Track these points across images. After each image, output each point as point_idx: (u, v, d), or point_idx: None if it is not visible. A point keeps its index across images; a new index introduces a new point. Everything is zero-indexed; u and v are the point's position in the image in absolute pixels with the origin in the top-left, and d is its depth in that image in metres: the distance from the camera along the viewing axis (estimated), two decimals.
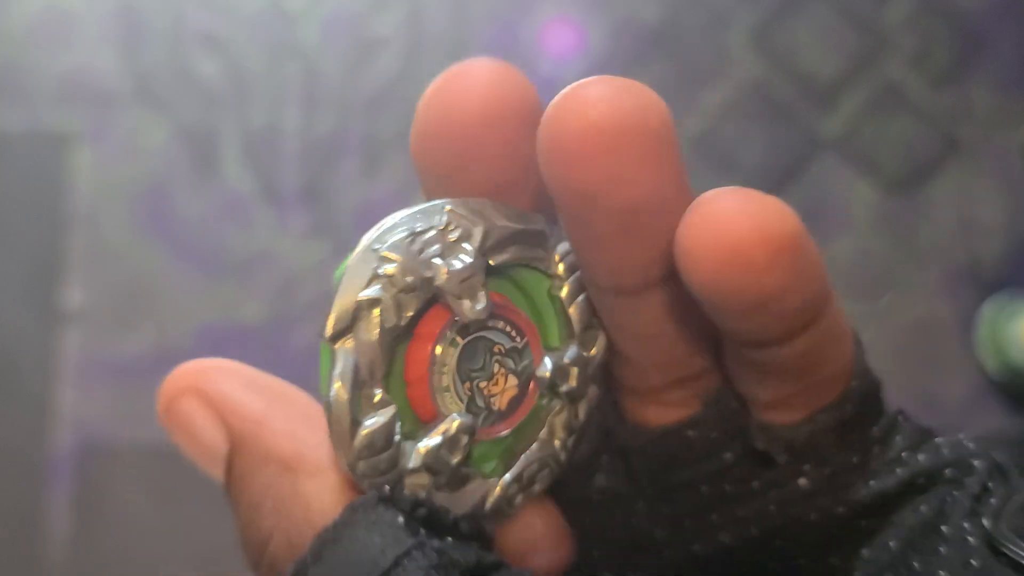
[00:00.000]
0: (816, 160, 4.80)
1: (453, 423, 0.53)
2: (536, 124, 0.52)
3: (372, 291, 0.52)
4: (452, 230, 0.53)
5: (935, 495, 0.54)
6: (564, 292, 0.57)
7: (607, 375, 0.59)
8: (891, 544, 0.54)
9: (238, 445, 0.57)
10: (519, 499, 0.56)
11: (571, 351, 0.55)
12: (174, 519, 4.26)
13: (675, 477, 0.56)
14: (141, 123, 4.55)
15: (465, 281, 0.52)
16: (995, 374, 3.35)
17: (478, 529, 0.53)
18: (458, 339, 0.54)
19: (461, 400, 0.54)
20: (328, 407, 0.52)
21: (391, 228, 0.54)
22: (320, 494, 0.53)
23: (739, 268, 0.47)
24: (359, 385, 0.51)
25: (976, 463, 0.58)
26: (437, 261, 0.52)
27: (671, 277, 0.51)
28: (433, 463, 0.53)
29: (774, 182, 4.77)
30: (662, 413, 0.56)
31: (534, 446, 0.56)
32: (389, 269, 0.52)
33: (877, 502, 0.55)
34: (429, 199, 0.57)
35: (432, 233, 0.53)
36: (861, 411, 0.56)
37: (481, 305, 0.52)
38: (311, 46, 4.66)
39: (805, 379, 0.54)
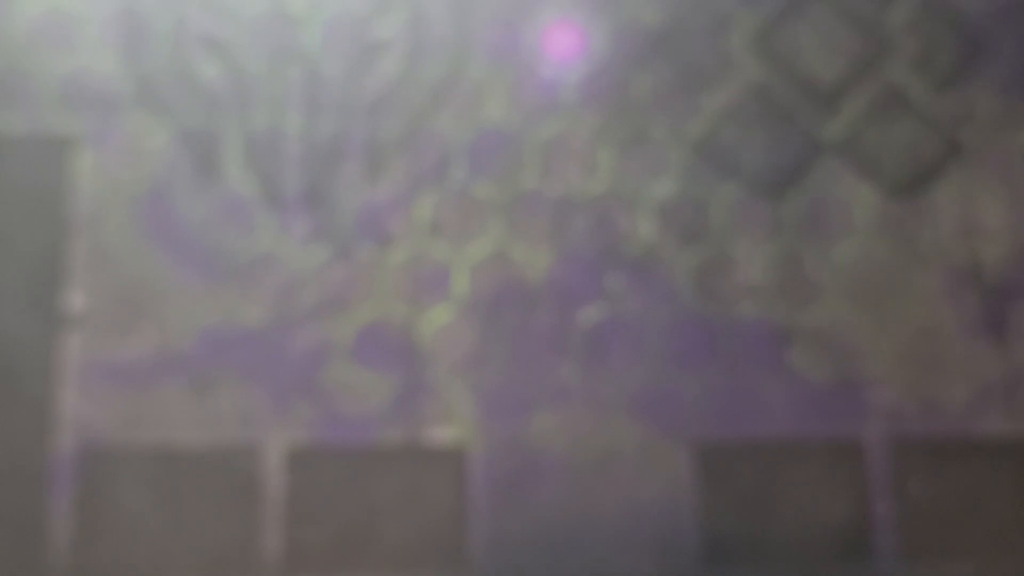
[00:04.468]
0: (818, 163, 4.81)
1: None
2: None
3: None
4: None
5: None
6: None
7: None
8: None
9: None
10: None
11: None
12: (175, 521, 4.28)
13: None
14: (143, 126, 4.57)
15: None
16: None
17: None
18: None
19: None
20: None
21: None
22: None
23: None
24: None
25: None
26: None
27: None
28: None
29: (776, 185, 4.78)
30: None
31: None
32: None
33: None
34: None
35: None
36: None
37: None
38: (313, 49, 4.68)
39: None
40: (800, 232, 4.75)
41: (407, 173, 4.68)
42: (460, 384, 4.52)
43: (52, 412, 4.36)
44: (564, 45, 4.93)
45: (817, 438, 4.60)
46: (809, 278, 4.72)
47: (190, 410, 4.40)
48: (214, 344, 4.45)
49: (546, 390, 4.56)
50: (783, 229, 4.75)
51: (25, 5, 4.72)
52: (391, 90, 4.76)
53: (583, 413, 4.55)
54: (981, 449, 4.61)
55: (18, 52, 4.68)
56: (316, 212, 4.60)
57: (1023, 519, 4.55)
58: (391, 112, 4.74)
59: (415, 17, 4.85)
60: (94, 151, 4.59)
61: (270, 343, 4.49)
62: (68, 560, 4.27)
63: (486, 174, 4.71)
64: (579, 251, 4.67)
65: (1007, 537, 4.55)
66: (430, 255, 4.61)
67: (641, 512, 4.48)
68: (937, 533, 4.54)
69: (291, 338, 4.49)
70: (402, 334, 4.53)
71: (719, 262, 4.70)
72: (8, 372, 4.38)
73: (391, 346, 4.52)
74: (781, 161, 4.83)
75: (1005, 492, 4.57)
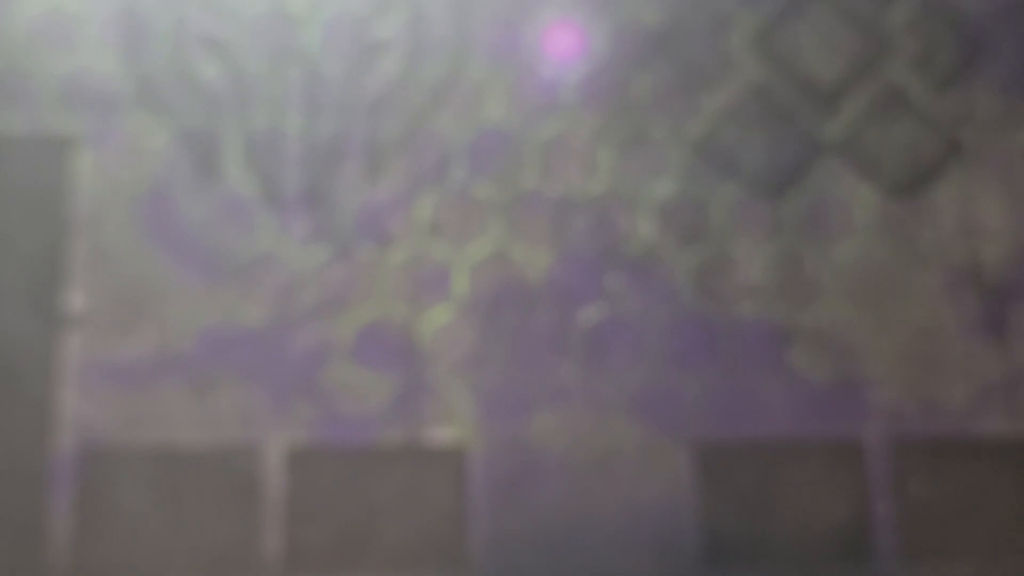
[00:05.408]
0: (818, 163, 4.81)
1: None
2: None
3: None
4: None
5: None
6: None
7: None
8: None
9: None
10: None
11: None
12: (175, 521, 4.28)
13: None
14: (143, 126, 4.57)
15: None
16: None
17: None
18: None
19: None
20: None
21: None
22: None
23: None
24: None
25: None
26: None
27: None
28: None
29: (776, 185, 4.79)
30: None
31: None
32: None
33: None
34: None
35: None
36: None
37: None
38: (313, 49, 4.68)
39: None
40: (800, 232, 4.76)
41: (407, 173, 4.69)
42: (460, 384, 4.53)
43: (52, 412, 4.36)
44: (564, 45, 4.94)
45: (817, 438, 4.60)
46: (809, 278, 4.73)
47: (190, 410, 4.40)
48: (214, 344, 4.46)
49: (546, 390, 4.56)
50: (783, 229, 4.76)
51: (25, 5, 4.73)
52: (391, 90, 4.77)
53: (583, 413, 4.55)
54: (981, 449, 4.62)
55: (18, 52, 4.69)
56: (316, 212, 4.61)
57: (1023, 519, 4.57)
58: (391, 112, 4.75)
59: (415, 17, 4.86)
60: (94, 151, 4.60)
61: (270, 343, 4.50)
62: (68, 560, 4.28)
63: (486, 174, 4.71)
64: (579, 251, 4.68)
65: (1007, 537, 4.56)
66: (430, 255, 4.62)
67: (641, 512, 4.49)
68: (937, 533, 4.54)
69: (291, 338, 4.50)
70: (402, 334, 4.54)
71: (719, 262, 4.71)
72: (8, 372, 4.39)
73: (391, 346, 4.53)
74: (781, 161, 4.84)
75: (1005, 492, 4.57)
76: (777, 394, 4.62)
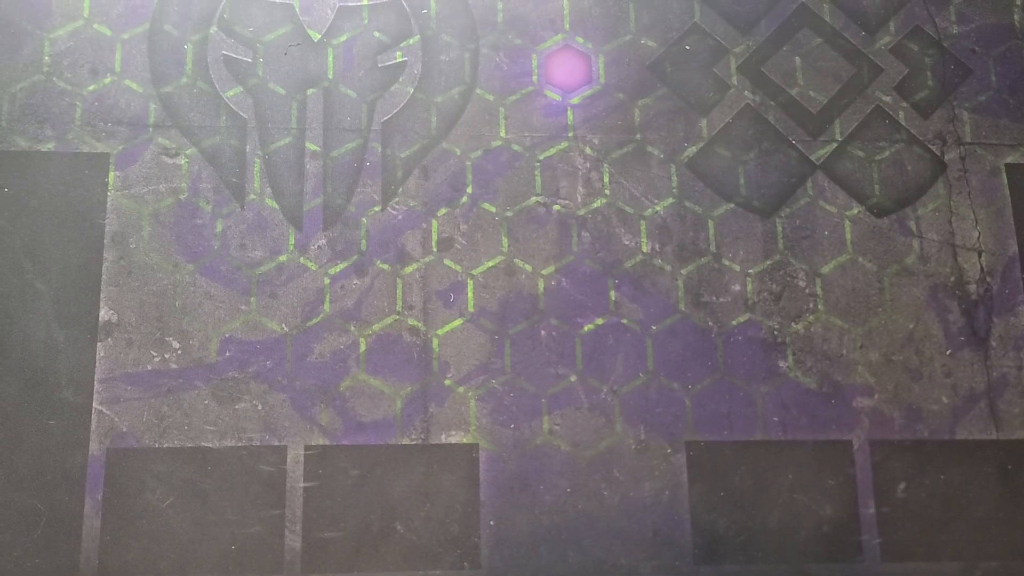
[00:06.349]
0: (809, 182, 4.79)
1: None
2: None
3: None
4: None
5: None
6: None
7: None
8: None
9: None
10: None
11: None
12: (200, 523, 4.38)
13: None
14: (168, 145, 4.59)
15: None
16: None
17: None
18: None
19: None
20: None
21: None
22: None
23: None
24: None
25: None
26: None
27: None
28: None
29: (770, 203, 4.76)
30: None
31: None
32: None
33: None
34: None
35: None
36: None
37: None
38: (331, 71, 4.69)
39: None
40: (792, 247, 4.81)
41: (420, 191, 4.74)
42: (471, 392, 4.58)
43: (82, 420, 4.42)
44: (567, 69, 5.00)
45: (808, 443, 4.65)
46: (801, 291, 4.78)
47: (214, 418, 4.47)
48: (236, 354, 4.52)
49: (551, 396, 4.60)
50: (776, 245, 4.81)
51: (53, 26, 4.78)
52: (405, 111, 4.81)
53: (586, 418, 4.59)
54: (965, 454, 4.67)
55: (45, 73, 4.73)
56: (333, 227, 4.66)
57: (1006, 522, 4.63)
58: (405, 133, 4.79)
59: (426, 41, 4.91)
60: (122, 170, 4.64)
61: (290, 354, 4.55)
62: (97, 559, 4.35)
63: (495, 192, 4.76)
64: (582, 265, 4.72)
65: (990, 540, 4.62)
66: (443, 269, 4.67)
67: (639, 512, 4.54)
68: (922, 536, 4.61)
69: (310, 349, 4.55)
70: (416, 345, 4.59)
71: (716, 276, 4.77)
72: (41, 380, 4.45)
73: (406, 357, 4.58)
74: (774, 180, 4.89)
75: (988, 497, 4.63)
76: (770, 400, 4.67)
